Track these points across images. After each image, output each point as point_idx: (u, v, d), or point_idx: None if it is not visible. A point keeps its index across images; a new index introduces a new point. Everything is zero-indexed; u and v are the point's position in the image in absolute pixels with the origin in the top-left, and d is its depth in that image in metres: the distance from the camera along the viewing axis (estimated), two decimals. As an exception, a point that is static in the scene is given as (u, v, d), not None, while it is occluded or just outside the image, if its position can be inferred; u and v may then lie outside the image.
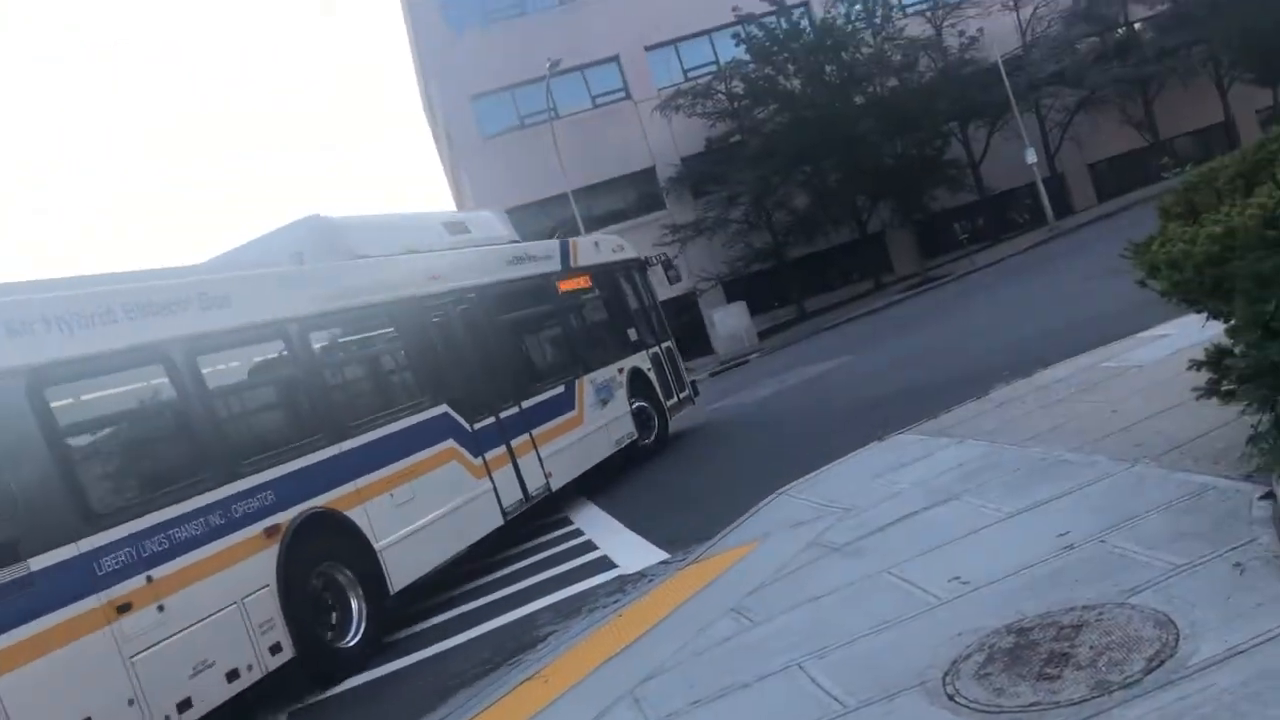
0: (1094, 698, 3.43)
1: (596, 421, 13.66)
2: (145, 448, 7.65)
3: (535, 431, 12.13)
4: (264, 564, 7.83)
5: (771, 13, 38.21)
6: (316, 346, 9.45)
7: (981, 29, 38.62)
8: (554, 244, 15.00)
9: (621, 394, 14.66)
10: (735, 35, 38.65)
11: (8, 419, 6.44)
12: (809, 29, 38.92)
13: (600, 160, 38.50)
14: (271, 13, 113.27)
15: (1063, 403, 8.02)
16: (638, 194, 40.50)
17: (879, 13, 38.84)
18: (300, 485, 8.44)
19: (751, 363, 30.45)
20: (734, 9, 37.53)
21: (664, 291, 18.59)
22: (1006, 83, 37.02)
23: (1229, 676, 3.27)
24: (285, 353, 9.02)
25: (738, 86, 38.74)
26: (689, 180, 39.40)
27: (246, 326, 8.64)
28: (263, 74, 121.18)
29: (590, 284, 15.22)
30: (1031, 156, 37.62)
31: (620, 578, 8.46)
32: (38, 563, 6.20)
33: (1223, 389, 4.38)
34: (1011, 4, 40.37)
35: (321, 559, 8.49)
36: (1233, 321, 4.14)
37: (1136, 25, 42.89)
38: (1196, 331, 5.21)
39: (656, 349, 16.32)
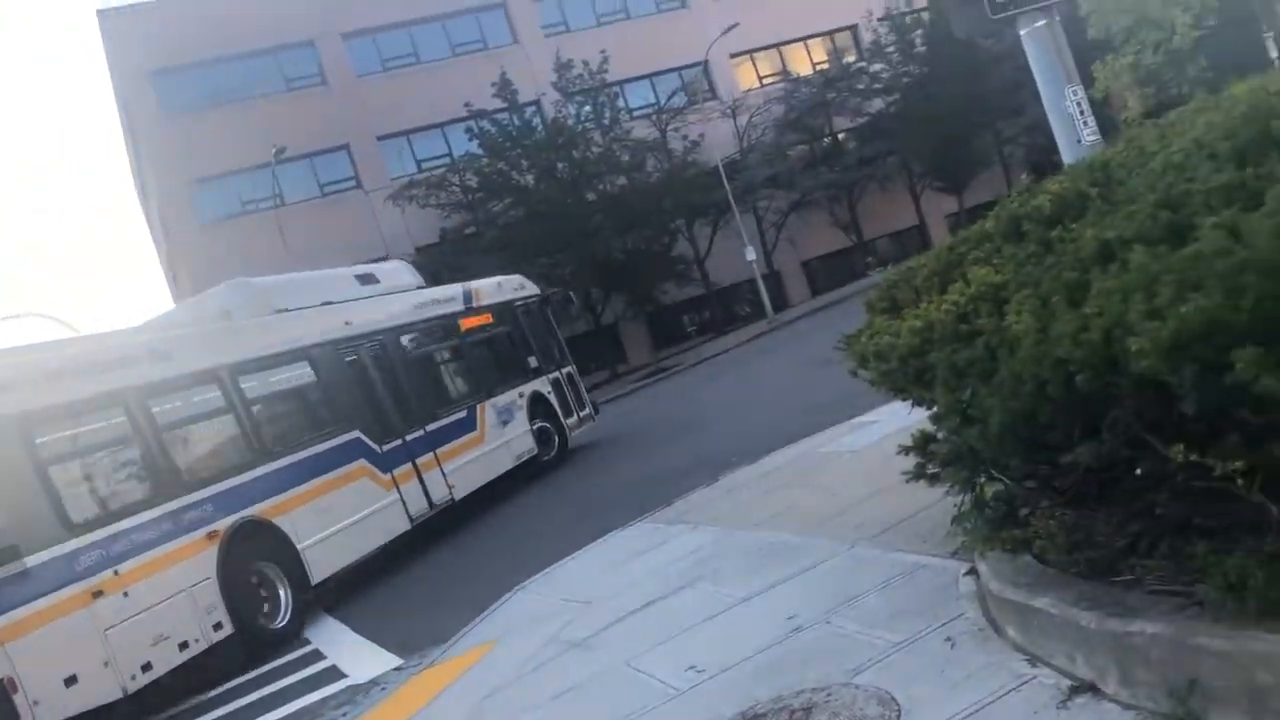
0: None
1: (497, 440, 15.63)
2: (111, 471, 9.65)
3: (440, 450, 14.08)
4: (207, 560, 9.91)
5: (504, 109, 38.85)
6: (245, 386, 11.46)
7: (703, 134, 40.83)
8: (457, 288, 16.91)
9: (522, 415, 16.53)
10: (469, 130, 38.97)
11: (3, 453, 8.38)
12: (541, 127, 39.85)
13: (329, 248, 37.27)
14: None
15: (787, 488, 8.31)
16: (371, 283, 39.51)
17: (607, 114, 40.31)
18: (235, 498, 10.56)
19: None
20: (466, 104, 37.92)
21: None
22: (726, 185, 39.24)
23: (947, 749, 3.40)
24: (220, 393, 11.11)
25: (471, 180, 38.93)
26: (428, 270, 38.82)
27: (187, 374, 10.81)
28: None
29: (492, 320, 17.18)
30: (751, 254, 39.98)
31: (350, 688, 7.98)
32: (33, 560, 8.18)
33: (929, 472, 4.57)
34: (729, 111, 43.13)
35: (254, 557, 10.50)
36: (934, 409, 4.40)
37: (840, 135, 47.01)
38: (903, 417, 5.56)
39: (557, 374, 18.24)
